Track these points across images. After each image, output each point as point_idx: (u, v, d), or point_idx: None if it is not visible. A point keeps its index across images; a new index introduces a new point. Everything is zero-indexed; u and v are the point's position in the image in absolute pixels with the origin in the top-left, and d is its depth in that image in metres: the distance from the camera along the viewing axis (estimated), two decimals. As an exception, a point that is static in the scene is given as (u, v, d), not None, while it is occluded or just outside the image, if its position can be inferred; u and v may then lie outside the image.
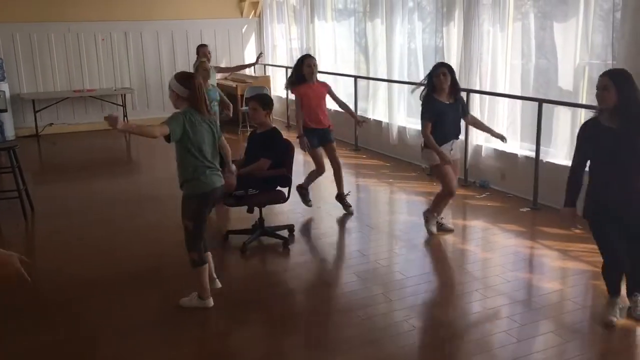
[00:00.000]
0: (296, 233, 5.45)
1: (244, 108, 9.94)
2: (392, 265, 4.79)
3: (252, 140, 5.25)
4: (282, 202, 5.15)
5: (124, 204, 6.60)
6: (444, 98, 4.99)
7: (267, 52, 11.99)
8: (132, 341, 3.70)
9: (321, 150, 5.87)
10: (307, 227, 5.67)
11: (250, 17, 12.07)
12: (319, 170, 5.94)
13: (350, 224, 5.75)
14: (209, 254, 4.21)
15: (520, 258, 4.84)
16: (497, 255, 4.83)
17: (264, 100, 5.13)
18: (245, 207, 5.15)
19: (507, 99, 6.53)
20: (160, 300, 4.26)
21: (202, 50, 7.56)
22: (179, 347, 3.65)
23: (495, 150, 6.63)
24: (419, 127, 7.73)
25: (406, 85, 8.06)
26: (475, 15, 6.58)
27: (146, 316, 4.03)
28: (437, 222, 5.29)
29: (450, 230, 5.34)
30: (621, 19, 5.09)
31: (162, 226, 5.75)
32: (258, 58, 8.58)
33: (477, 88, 6.69)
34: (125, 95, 11.00)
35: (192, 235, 3.96)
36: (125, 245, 5.32)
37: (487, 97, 6.64)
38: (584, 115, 5.87)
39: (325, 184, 7.44)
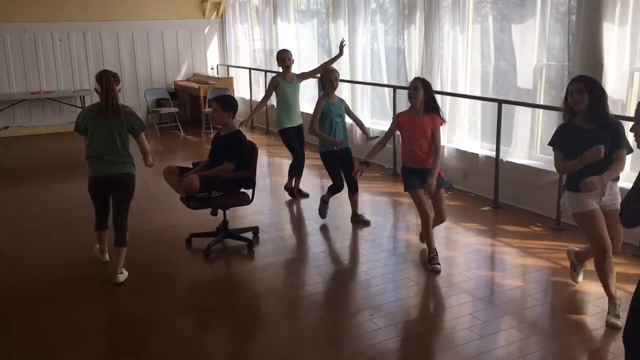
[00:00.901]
0: (261, 235, 5.42)
1: (207, 110, 9.85)
2: (357, 266, 4.81)
3: (215, 142, 5.20)
4: (246, 204, 5.12)
5: (81, 208, 6.42)
6: (581, 122, 3.70)
7: (230, 53, 11.91)
8: (84, 352, 3.61)
9: (423, 195, 4.55)
10: (272, 229, 5.64)
11: (213, 18, 11.97)
12: (422, 219, 4.64)
13: (315, 225, 5.75)
14: (106, 231, 4.69)
15: (482, 256, 4.92)
16: (459, 254, 4.90)
17: (225, 102, 5.09)
18: (209, 210, 5.10)
19: (468, 100, 6.64)
20: (116, 307, 4.19)
21: (282, 56, 6.38)
22: (138, 356, 3.58)
23: (457, 150, 6.73)
24: (383, 127, 7.85)
25: (369, 87, 8.12)
26: (435, 18, 6.67)
27: (100, 324, 3.96)
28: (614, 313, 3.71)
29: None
30: (576, 22, 5.23)
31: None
32: (342, 47, 6.49)
33: (439, 89, 6.77)
34: (84, 96, 10.75)
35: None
36: (82, 250, 5.20)
37: (448, 98, 6.74)
38: (542, 115, 6.02)
39: (281, 185, 7.43)
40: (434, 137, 4.59)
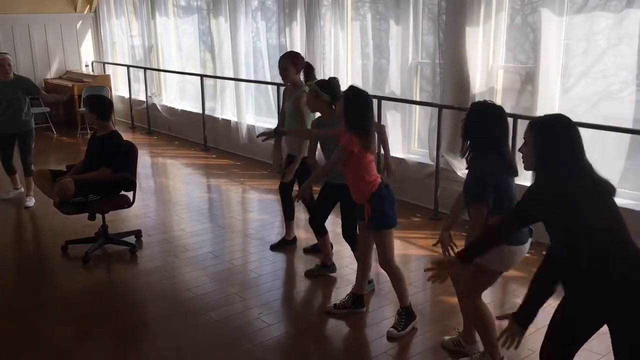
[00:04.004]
0: (145, 238, 5.23)
1: (82, 109, 9.32)
2: (245, 265, 4.78)
3: (91, 143, 4.94)
4: (127, 207, 4.91)
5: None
6: None
7: (106, 50, 11.33)
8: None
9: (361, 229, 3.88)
10: (156, 231, 5.45)
11: (85, 12, 11.31)
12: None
13: (202, 225, 5.63)
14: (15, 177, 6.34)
15: (367, 248, 5.07)
16: (345, 247, 4.99)
17: (91, 103, 4.86)
18: (87, 215, 4.83)
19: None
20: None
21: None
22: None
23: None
24: (267, 125, 7.86)
25: (253, 84, 8.09)
26: (316, 16, 6.78)
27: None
28: None
29: None
30: (446, 22, 5.53)
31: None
32: None
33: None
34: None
35: None
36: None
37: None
38: (418, 111, 6.32)
39: (171, 184, 7.24)
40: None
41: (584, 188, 2.30)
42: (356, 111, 3.49)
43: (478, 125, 2.96)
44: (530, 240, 3.02)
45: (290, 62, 4.65)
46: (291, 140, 4.68)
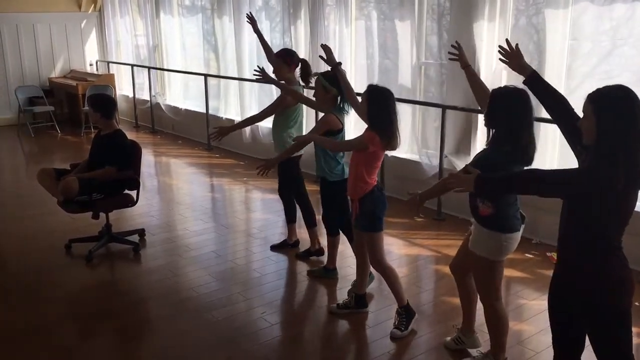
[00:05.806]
0: (148, 237, 5.24)
1: (86, 108, 9.33)
2: (248, 264, 4.78)
3: (95, 142, 4.95)
4: (131, 206, 4.92)
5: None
6: None
7: (111, 49, 11.36)
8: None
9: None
10: (160, 230, 5.46)
11: (90, 12, 11.34)
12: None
13: (205, 225, 5.64)
14: None
15: (370, 248, 5.07)
16: (347, 248, 5.00)
17: (95, 102, 4.88)
18: (91, 213, 4.84)
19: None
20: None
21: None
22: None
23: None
24: (270, 125, 7.86)
25: (257, 84, 8.09)
26: (320, 16, 6.78)
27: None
28: None
29: None
30: (450, 22, 5.53)
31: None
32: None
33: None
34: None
35: None
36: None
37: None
38: (422, 112, 6.31)
39: (174, 183, 7.25)
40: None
41: None
42: (378, 111, 3.46)
43: (505, 114, 2.82)
44: (522, 226, 3.01)
45: (282, 60, 4.64)
46: (278, 138, 4.67)
